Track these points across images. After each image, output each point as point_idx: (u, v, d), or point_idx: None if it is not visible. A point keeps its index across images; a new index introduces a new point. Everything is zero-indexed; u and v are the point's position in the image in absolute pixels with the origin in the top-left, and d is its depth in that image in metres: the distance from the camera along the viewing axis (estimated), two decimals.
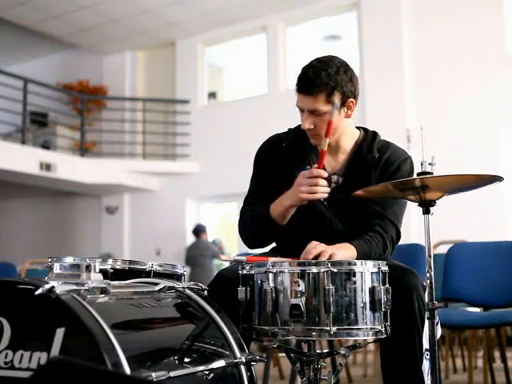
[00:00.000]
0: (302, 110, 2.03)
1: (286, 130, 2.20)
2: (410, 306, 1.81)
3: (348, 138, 2.11)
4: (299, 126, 2.15)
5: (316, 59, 2.03)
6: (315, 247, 1.83)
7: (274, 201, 2.04)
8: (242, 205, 2.19)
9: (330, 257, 1.80)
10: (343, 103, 2.00)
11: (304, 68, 2.02)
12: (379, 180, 2.04)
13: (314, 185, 1.91)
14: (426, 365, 1.77)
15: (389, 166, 2.07)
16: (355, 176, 2.07)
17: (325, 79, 1.95)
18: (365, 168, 2.07)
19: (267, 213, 2.02)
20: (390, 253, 2.06)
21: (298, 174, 2.04)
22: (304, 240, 1.93)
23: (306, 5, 8.68)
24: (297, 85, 2.01)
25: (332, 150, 2.09)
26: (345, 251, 1.87)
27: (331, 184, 2.08)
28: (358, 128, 2.17)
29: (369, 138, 2.12)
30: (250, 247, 2.18)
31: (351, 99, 2.01)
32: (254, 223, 2.08)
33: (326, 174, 1.92)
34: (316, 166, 1.94)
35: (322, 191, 1.92)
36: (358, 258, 1.89)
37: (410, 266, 1.93)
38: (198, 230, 8.34)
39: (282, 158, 2.13)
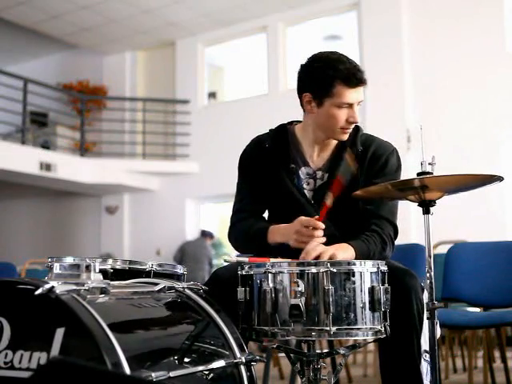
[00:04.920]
0: (349, 106, 1.98)
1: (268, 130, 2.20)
2: (408, 307, 1.81)
3: None
4: (280, 125, 2.17)
5: (341, 53, 2.01)
6: (314, 248, 1.83)
7: (263, 205, 2.10)
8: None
9: (330, 258, 1.80)
10: None
11: (349, 61, 1.98)
12: (367, 175, 2.03)
13: (310, 236, 1.88)
14: (424, 366, 1.77)
15: (376, 160, 2.06)
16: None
17: None
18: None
19: (264, 237, 2.02)
20: (391, 250, 2.04)
21: (284, 175, 2.05)
22: None
23: (305, 5, 8.68)
24: (353, 80, 1.95)
25: (314, 145, 2.10)
26: (343, 252, 1.87)
27: (316, 181, 2.08)
28: None
29: (351, 131, 2.10)
30: (242, 253, 2.19)
31: None
32: (249, 240, 2.08)
33: (323, 227, 1.89)
34: (317, 217, 1.91)
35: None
36: (357, 258, 1.89)
37: (410, 267, 1.92)
38: (206, 233, 8.37)
39: (265, 159, 2.12)
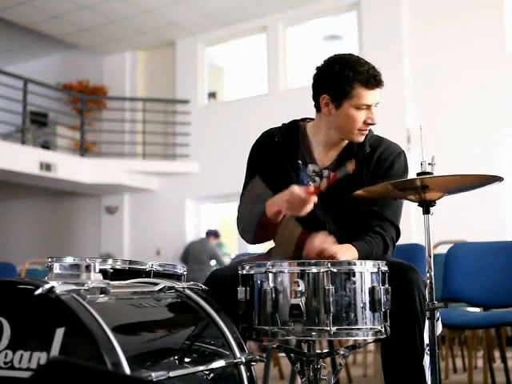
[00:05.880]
0: (367, 107, 2.01)
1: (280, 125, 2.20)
2: (411, 303, 1.82)
3: None
4: (292, 121, 2.17)
5: (356, 55, 2.06)
6: (324, 241, 1.85)
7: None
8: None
9: (332, 256, 1.80)
10: None
11: (368, 63, 2.01)
12: (372, 177, 2.03)
13: (302, 205, 1.87)
14: (427, 360, 1.78)
15: (382, 162, 2.06)
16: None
17: None
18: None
19: (263, 212, 2.00)
20: (391, 252, 2.05)
21: (291, 169, 2.06)
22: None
23: (305, 5, 8.68)
24: (371, 81, 1.98)
25: (324, 144, 2.11)
26: (347, 252, 1.87)
27: (322, 179, 2.09)
28: None
29: None
30: (250, 243, 2.18)
31: None
32: (252, 220, 2.06)
33: (315, 200, 1.88)
34: (312, 189, 1.88)
35: (306, 211, 1.89)
36: (359, 259, 1.89)
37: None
38: (209, 232, 8.36)
39: (274, 153, 2.12)
